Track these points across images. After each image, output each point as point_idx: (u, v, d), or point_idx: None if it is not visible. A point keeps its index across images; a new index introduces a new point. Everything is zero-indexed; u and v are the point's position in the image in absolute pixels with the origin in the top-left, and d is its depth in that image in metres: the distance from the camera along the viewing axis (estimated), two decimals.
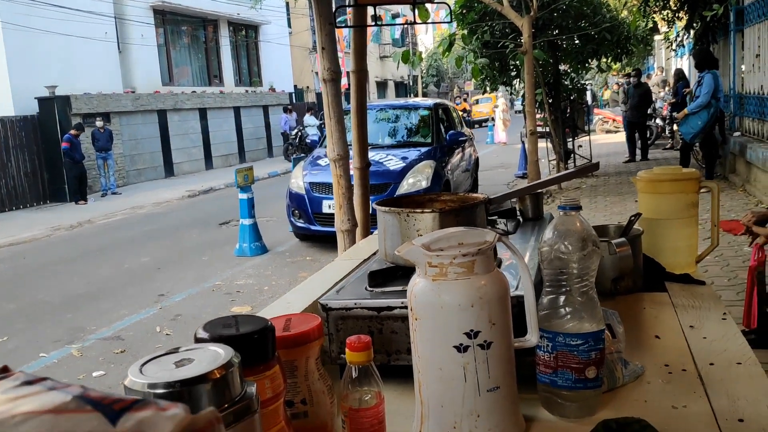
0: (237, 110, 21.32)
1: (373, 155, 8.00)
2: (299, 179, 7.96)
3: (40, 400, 0.34)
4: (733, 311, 3.92)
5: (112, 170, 14.94)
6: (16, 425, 0.31)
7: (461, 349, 0.90)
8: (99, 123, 14.50)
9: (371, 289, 1.23)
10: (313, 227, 7.72)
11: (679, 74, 13.33)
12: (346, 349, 0.91)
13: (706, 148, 9.32)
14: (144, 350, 4.87)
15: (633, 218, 1.64)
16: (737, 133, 9.32)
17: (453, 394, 0.91)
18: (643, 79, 15.49)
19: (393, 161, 8.04)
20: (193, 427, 0.33)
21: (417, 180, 7.81)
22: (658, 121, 14.82)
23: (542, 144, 10.35)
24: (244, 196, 7.84)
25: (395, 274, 1.27)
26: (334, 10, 2.85)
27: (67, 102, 14.75)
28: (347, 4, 2.95)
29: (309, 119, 20.51)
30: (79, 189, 13.89)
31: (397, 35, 31.64)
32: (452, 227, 1.06)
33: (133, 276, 7.26)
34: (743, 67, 9.46)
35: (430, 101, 10.10)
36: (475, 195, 1.37)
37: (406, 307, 1.05)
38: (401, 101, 10.74)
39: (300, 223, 7.85)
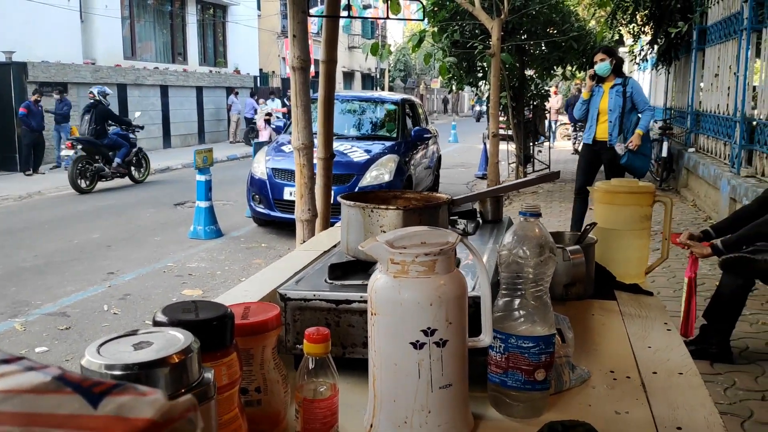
0: (199, 90, 21.00)
1: (337, 146, 8.06)
2: (262, 164, 7.95)
3: (18, 379, 0.33)
4: (677, 321, 4.05)
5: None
6: None
7: (417, 345, 0.91)
8: (56, 95, 14.09)
9: (331, 281, 1.24)
10: (273, 213, 7.74)
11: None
12: (305, 341, 0.92)
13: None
14: (90, 328, 4.78)
15: (588, 227, 1.69)
16: (692, 149, 9.59)
17: (406, 389, 0.93)
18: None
19: (357, 153, 8.11)
20: (172, 412, 0.34)
21: (380, 173, 7.90)
22: None
23: (503, 146, 10.47)
24: (201, 177, 7.74)
25: (355, 268, 1.28)
26: None
27: (23, 69, 14.30)
28: None
29: (272, 104, 20.35)
30: (34, 159, 13.49)
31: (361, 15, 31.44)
32: (416, 226, 1.07)
33: (81, 252, 7.10)
34: (701, 85, 9.73)
35: (398, 96, 10.16)
36: (439, 195, 1.38)
37: (364, 302, 1.07)
38: (369, 94, 10.76)
39: (260, 209, 7.85)
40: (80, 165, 11.15)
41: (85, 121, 11.76)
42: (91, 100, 11.97)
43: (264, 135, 16.47)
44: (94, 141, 11.48)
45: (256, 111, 20.39)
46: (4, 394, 0.32)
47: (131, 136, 12.22)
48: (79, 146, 11.24)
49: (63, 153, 11.92)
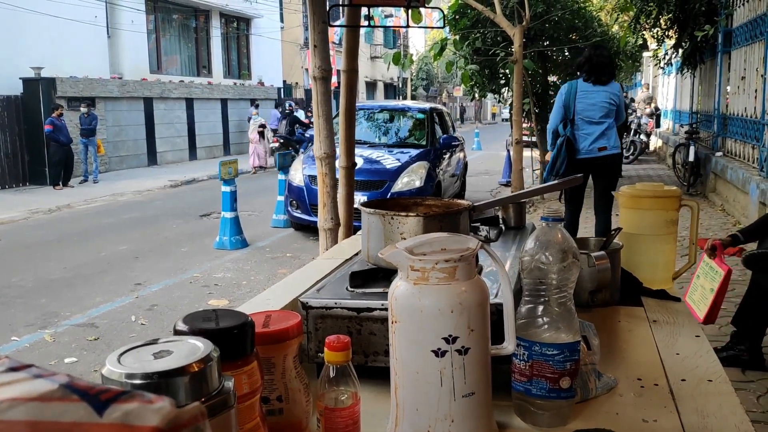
0: (224, 102, 21.22)
1: (370, 153, 8.39)
2: (299, 172, 8.27)
3: (26, 387, 0.34)
4: (704, 328, 3.97)
5: (95, 156, 14.73)
6: (2, 411, 0.31)
7: (439, 353, 0.90)
8: (83, 109, 14.32)
9: (352, 289, 1.24)
10: (309, 217, 7.98)
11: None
12: (325, 349, 0.92)
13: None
14: (118, 339, 4.83)
15: (613, 232, 1.66)
16: (719, 153, 9.44)
17: (428, 398, 0.92)
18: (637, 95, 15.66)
19: (389, 160, 8.40)
20: (179, 420, 0.34)
21: (411, 179, 8.16)
22: (642, 136, 14.99)
23: (527, 153, 10.42)
24: (227, 188, 7.81)
25: (376, 276, 1.28)
26: (328, 8, 2.85)
27: (52, 84, 14.57)
28: (341, 3, 2.95)
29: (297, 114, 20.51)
30: (64, 173, 13.71)
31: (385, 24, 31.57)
32: (436, 232, 1.07)
33: (110, 263, 7.19)
34: (728, 88, 9.59)
35: (426, 105, 10.39)
36: (459, 201, 1.37)
37: (386, 309, 1.06)
38: (399, 103, 10.96)
39: (297, 213, 8.21)
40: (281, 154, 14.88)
41: (282, 124, 17.03)
42: (287, 111, 17.55)
43: (258, 149, 16.60)
44: (289, 138, 16.41)
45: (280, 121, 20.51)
46: (11, 402, 0.32)
47: (307, 134, 16.08)
48: (281, 141, 15.88)
49: (270, 146, 16.41)
